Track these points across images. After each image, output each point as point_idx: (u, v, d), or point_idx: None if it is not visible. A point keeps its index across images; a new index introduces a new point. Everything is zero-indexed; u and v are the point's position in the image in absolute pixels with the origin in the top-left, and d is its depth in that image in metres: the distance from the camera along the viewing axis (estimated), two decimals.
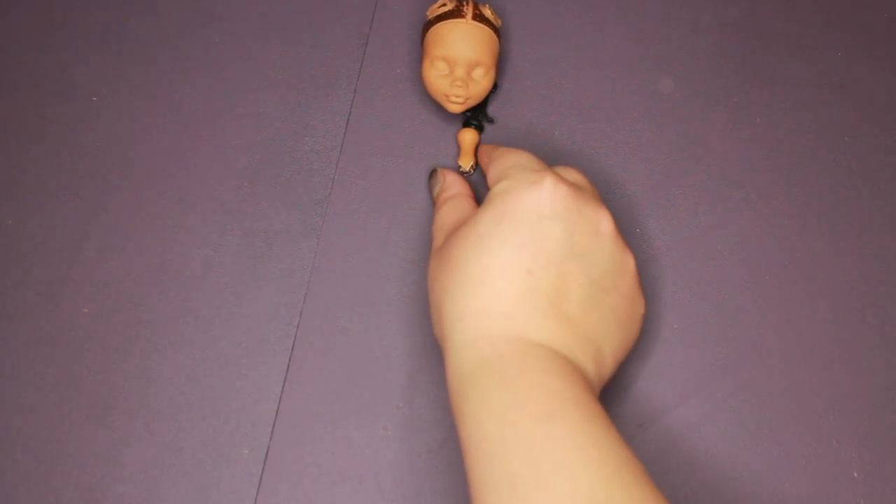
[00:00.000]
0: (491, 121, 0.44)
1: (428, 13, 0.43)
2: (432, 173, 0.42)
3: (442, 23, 0.41)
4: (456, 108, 0.42)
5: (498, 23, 0.43)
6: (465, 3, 0.42)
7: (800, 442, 0.38)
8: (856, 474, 0.38)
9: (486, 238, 0.32)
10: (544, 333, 0.30)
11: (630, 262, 0.34)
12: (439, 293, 0.33)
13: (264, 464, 0.37)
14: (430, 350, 0.39)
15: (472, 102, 0.42)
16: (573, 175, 0.36)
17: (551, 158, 0.44)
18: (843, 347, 0.40)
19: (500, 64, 0.46)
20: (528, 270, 0.31)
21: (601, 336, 0.32)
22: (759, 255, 0.42)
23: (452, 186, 0.40)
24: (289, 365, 0.39)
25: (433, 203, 0.41)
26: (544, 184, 0.32)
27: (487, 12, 0.42)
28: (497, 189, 0.33)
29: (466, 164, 0.42)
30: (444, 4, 0.42)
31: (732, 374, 0.39)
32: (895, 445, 0.38)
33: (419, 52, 0.46)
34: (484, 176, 0.39)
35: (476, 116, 0.43)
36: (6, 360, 0.39)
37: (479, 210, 0.33)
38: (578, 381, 0.29)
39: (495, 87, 0.43)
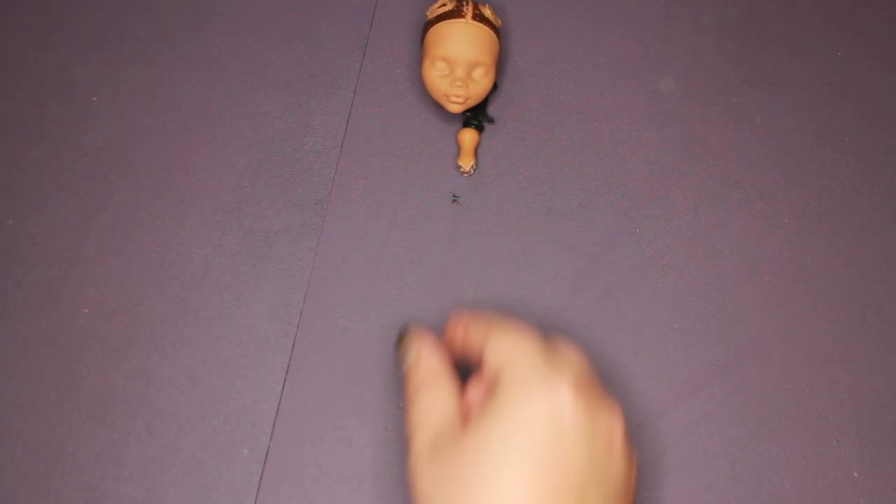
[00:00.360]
0: (491, 121, 0.44)
1: (428, 13, 0.43)
2: (402, 336, 0.36)
3: (442, 23, 0.41)
4: (456, 108, 0.42)
5: (498, 23, 0.43)
6: (464, 3, 0.42)
7: (800, 442, 0.38)
8: (856, 474, 0.38)
9: (501, 458, 0.28)
10: None
11: (634, 468, 0.32)
12: None
13: (264, 464, 0.37)
14: None
15: (472, 102, 0.42)
16: (573, 357, 0.32)
17: (551, 158, 0.44)
18: (843, 347, 0.40)
19: (500, 64, 0.46)
20: (552, 500, 0.28)
21: None
22: (759, 255, 0.42)
23: (427, 360, 0.34)
24: (289, 365, 0.39)
25: (402, 374, 0.35)
26: (561, 395, 0.29)
27: (487, 12, 0.42)
28: (505, 391, 0.30)
29: (466, 163, 0.42)
30: (444, 4, 0.42)
31: (732, 374, 0.39)
32: (895, 445, 0.38)
33: (419, 52, 0.46)
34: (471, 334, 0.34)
35: (476, 116, 0.43)
36: (6, 360, 0.39)
37: (487, 415, 0.30)
38: None
39: (495, 87, 0.43)
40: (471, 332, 0.34)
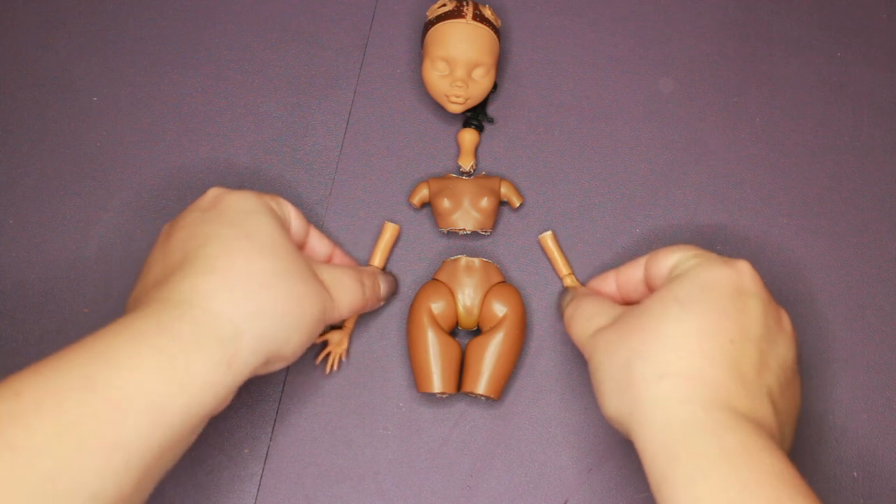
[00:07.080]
0: (491, 121, 0.44)
1: (428, 13, 0.43)
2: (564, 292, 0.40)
3: (442, 23, 0.41)
4: (456, 109, 0.42)
5: (498, 23, 0.43)
6: (465, 4, 0.42)
7: (800, 441, 0.38)
8: (855, 474, 0.38)
9: (688, 304, 0.31)
10: (753, 407, 0.29)
11: (798, 371, 0.34)
12: (626, 358, 0.31)
13: (264, 464, 0.37)
14: None
15: (472, 102, 0.42)
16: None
17: (551, 158, 0.44)
18: (843, 347, 0.40)
19: (500, 64, 0.46)
20: (731, 340, 0.30)
21: (788, 420, 0.32)
22: (759, 255, 0.42)
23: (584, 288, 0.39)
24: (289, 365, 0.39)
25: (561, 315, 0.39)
26: (741, 265, 0.32)
27: (487, 12, 0.42)
28: (688, 264, 0.32)
29: (466, 163, 0.42)
30: (444, 5, 0.42)
31: None
32: (895, 445, 0.38)
33: (419, 52, 0.46)
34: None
35: (476, 116, 0.43)
36: (6, 360, 0.39)
37: (672, 283, 0.32)
38: (790, 462, 0.28)
39: (495, 87, 0.43)
40: (622, 274, 0.37)
